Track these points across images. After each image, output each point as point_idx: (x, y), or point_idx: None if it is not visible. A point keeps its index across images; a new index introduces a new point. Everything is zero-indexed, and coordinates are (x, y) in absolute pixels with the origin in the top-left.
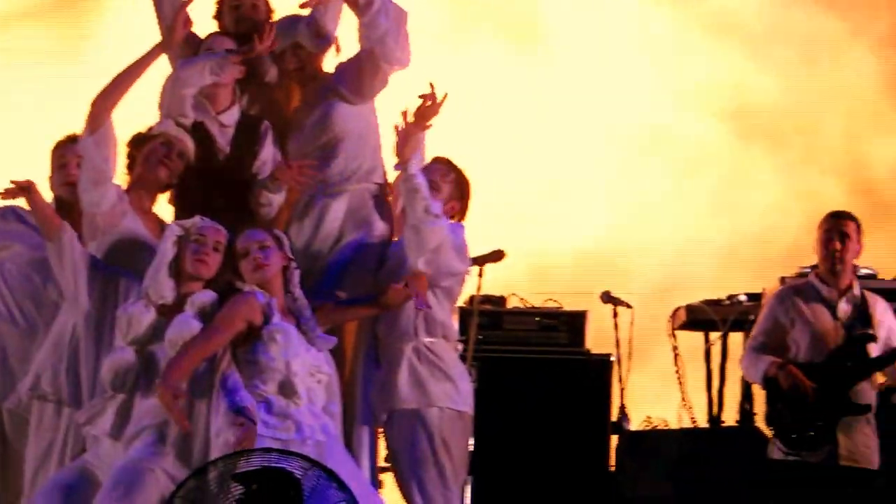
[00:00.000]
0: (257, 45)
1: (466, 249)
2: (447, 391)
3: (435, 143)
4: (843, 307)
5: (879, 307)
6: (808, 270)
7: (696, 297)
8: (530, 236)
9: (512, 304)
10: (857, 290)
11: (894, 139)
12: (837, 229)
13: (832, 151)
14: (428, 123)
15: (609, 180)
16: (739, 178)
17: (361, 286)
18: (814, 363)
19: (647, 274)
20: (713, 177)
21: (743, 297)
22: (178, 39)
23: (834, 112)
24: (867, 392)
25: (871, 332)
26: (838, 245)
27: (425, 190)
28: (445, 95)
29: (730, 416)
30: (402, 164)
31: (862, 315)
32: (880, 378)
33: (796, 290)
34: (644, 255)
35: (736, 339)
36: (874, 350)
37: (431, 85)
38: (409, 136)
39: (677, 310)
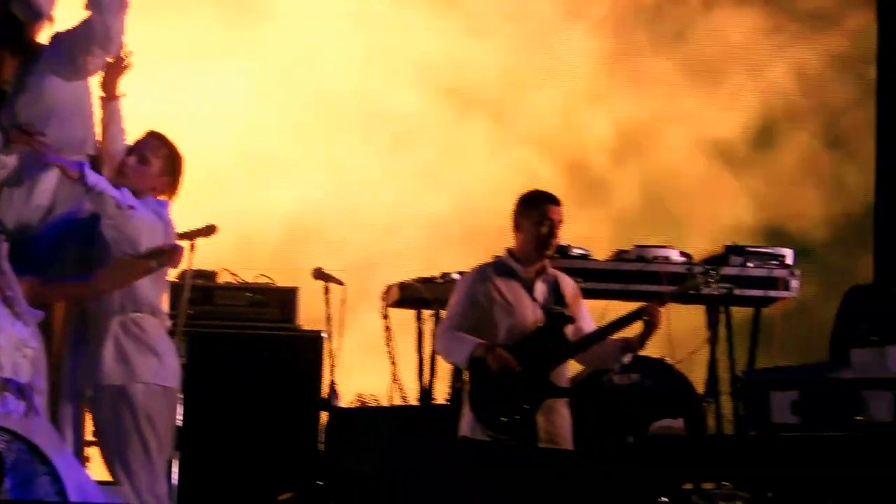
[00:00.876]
0: None
1: (172, 226)
2: (152, 366)
3: (146, 115)
4: (540, 287)
5: (568, 287)
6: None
7: (406, 272)
8: (240, 209)
9: (223, 279)
10: (549, 270)
11: (608, 119)
12: (557, 217)
13: (548, 129)
14: (119, 93)
15: (322, 154)
16: (454, 153)
17: (71, 261)
18: (516, 345)
19: (357, 247)
20: (428, 151)
21: (456, 276)
22: None
23: (551, 90)
24: (566, 374)
25: (566, 312)
26: (557, 234)
27: (109, 189)
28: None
29: (441, 394)
30: (77, 180)
31: (556, 295)
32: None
33: (492, 269)
34: (355, 228)
35: None
36: (568, 331)
37: (125, 53)
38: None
39: (390, 287)
